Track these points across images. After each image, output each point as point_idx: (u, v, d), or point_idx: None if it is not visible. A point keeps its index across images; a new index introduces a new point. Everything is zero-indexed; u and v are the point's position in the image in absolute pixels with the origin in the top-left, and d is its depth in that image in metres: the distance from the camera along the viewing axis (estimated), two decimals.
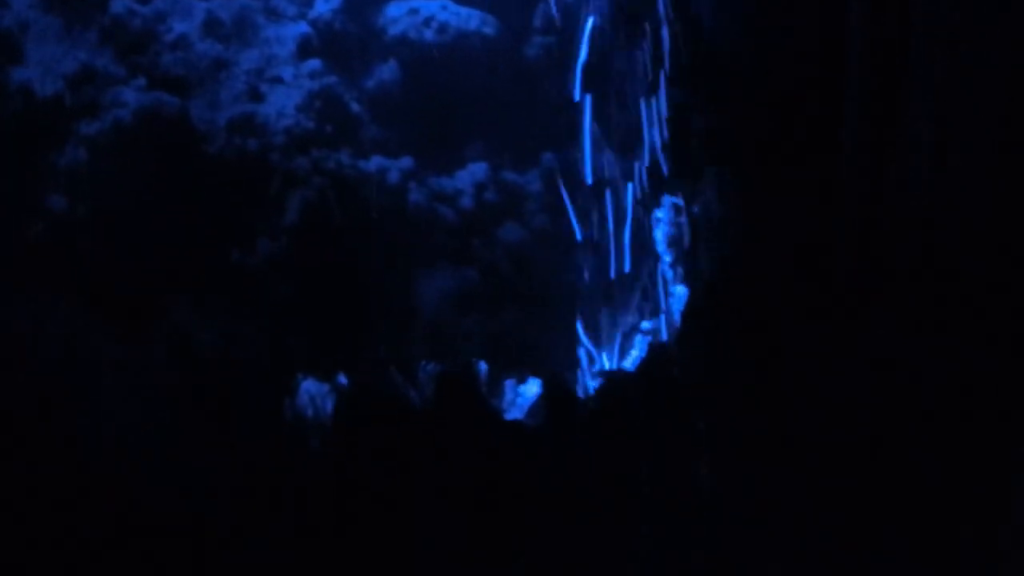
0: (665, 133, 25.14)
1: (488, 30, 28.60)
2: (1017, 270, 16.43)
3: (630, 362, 25.51)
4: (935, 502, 16.41)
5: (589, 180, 27.11)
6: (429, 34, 28.15)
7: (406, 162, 27.35)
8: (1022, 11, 15.86)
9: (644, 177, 25.97)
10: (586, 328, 26.88)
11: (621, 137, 26.93)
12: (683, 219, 24.48)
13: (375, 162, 27.07)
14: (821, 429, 17.56)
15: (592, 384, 25.44)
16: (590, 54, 26.76)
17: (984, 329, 16.74)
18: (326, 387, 23.38)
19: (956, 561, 16.13)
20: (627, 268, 26.65)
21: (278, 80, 27.33)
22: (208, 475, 19.48)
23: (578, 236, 27.19)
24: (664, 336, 24.96)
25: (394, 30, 28.49)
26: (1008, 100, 16.66)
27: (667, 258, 24.86)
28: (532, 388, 25.93)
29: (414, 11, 28.41)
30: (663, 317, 25.53)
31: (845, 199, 18.96)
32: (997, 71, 16.69)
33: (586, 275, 27.01)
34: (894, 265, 18.07)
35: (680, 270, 24.44)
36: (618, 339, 26.65)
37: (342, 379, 23.48)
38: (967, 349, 16.71)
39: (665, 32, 24.82)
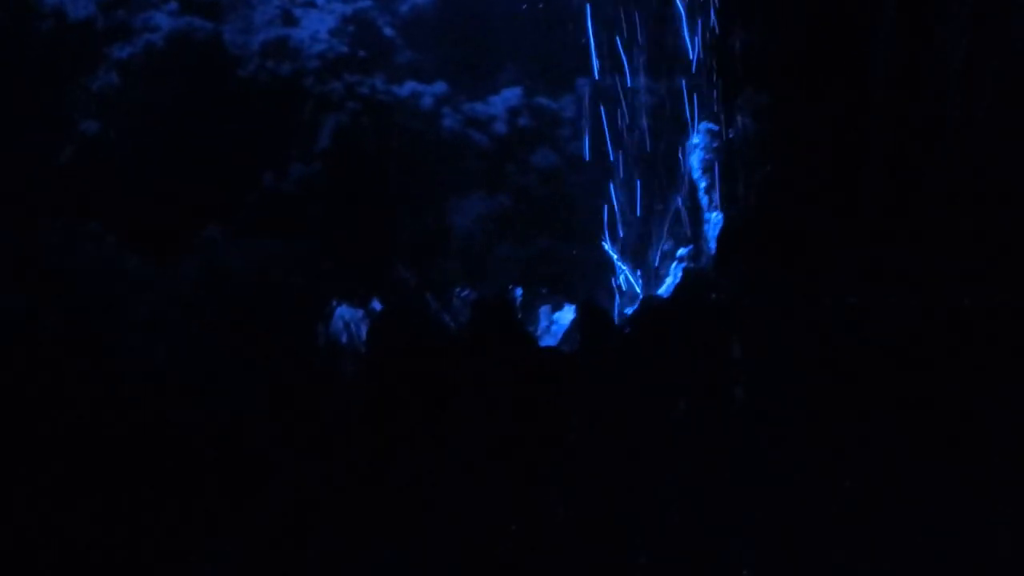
0: (701, 56, 24.99)
1: None
2: None
3: (664, 288, 25.28)
4: (963, 416, 16.22)
5: (619, 106, 27.02)
6: None
7: (440, 87, 27.06)
8: None
9: (680, 101, 25.80)
10: (621, 254, 26.69)
11: (657, 60, 26.66)
12: (718, 144, 24.24)
13: (408, 87, 26.79)
14: (857, 347, 17.30)
15: (627, 310, 25.26)
16: None
17: (1005, 250, 16.75)
18: (360, 312, 23.28)
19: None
20: (663, 195, 26.44)
21: (311, 4, 27.01)
22: (241, 401, 19.35)
23: (612, 161, 26.93)
24: (698, 262, 24.73)
25: None
26: None
27: (702, 184, 24.59)
28: (567, 315, 25.82)
29: None
30: (695, 243, 25.35)
31: (877, 122, 18.76)
32: None
33: (619, 201, 26.78)
34: (922, 186, 17.92)
35: (715, 196, 24.16)
36: (653, 265, 26.48)
37: (376, 304, 23.38)
38: (988, 267, 16.70)
39: None
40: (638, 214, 26.66)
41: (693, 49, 25.12)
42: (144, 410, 18.12)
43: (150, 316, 20.96)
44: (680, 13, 25.49)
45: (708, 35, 24.55)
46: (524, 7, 28.33)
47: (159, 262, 22.75)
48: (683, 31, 25.48)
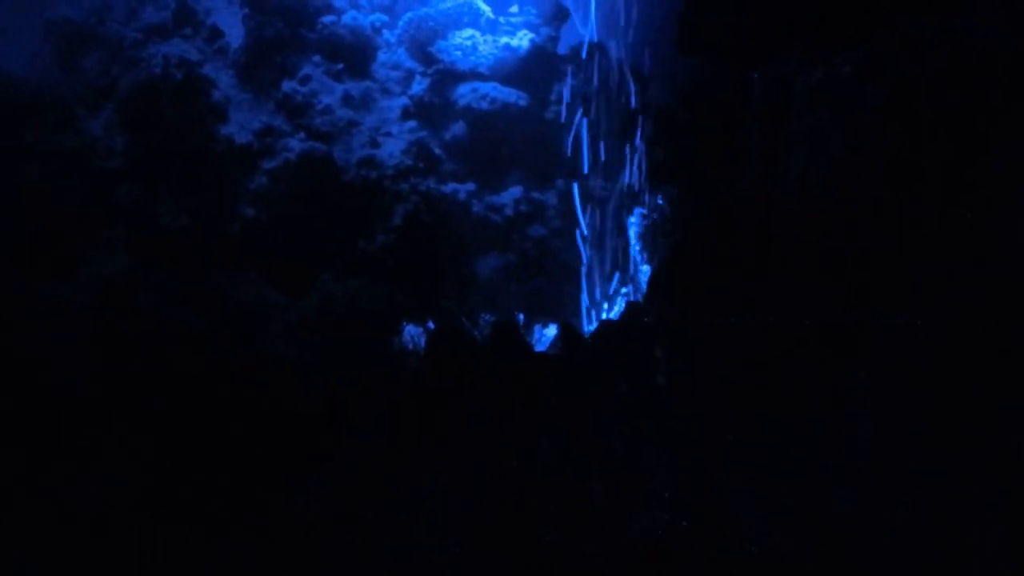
0: (635, 169, 25.38)
1: (522, 102, 28.43)
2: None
3: (614, 313, 25.43)
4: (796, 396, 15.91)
5: (585, 198, 27.31)
6: (484, 104, 28.01)
7: (470, 186, 27.17)
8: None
9: (622, 194, 26.14)
10: (586, 292, 26.88)
11: (609, 170, 27.05)
12: (646, 222, 24.52)
13: (450, 186, 26.91)
14: (730, 350, 17.29)
15: (590, 327, 25.35)
16: (587, 118, 27.02)
17: (824, 278, 16.58)
18: (420, 329, 23.45)
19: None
20: (612, 254, 26.71)
21: (388, 134, 27.20)
22: (341, 384, 19.41)
23: (580, 232, 27.24)
24: (635, 296, 24.88)
25: (463, 102, 28.21)
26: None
27: (637, 247, 24.89)
28: (552, 330, 25.84)
29: (475, 89, 28.13)
30: (633, 285, 25.52)
31: (742, 208, 18.95)
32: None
33: (585, 258, 27.04)
34: (768, 247, 18.11)
35: (645, 255, 24.44)
36: (607, 298, 26.65)
37: (431, 324, 23.53)
38: (809, 290, 16.59)
39: (635, 104, 25.24)
40: (598, 267, 26.88)
41: (631, 163, 25.52)
42: (278, 389, 18.25)
43: (284, 329, 21.18)
44: (622, 141, 26.07)
45: (639, 154, 25.00)
46: (519, 143, 28.59)
47: (290, 295, 23.12)
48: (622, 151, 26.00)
